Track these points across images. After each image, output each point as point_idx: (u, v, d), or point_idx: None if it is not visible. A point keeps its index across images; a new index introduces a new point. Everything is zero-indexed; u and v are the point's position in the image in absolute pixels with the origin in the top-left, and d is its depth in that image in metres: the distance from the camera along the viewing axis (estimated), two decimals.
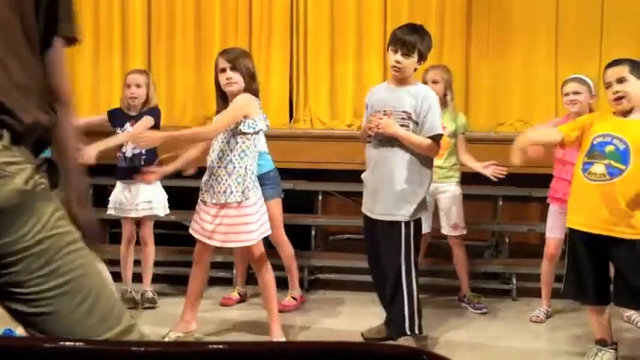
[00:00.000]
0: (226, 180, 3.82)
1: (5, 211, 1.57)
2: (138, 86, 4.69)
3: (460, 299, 4.90)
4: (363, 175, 3.98)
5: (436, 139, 3.82)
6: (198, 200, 3.97)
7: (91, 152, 4.20)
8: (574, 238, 3.70)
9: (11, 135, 1.61)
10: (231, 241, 3.89)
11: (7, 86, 1.62)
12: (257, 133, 3.87)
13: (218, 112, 3.96)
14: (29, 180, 1.60)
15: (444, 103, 4.67)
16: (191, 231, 3.97)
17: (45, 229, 1.60)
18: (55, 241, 1.61)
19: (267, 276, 4.00)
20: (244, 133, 3.81)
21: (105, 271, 3.53)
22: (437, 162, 4.58)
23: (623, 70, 3.59)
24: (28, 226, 1.59)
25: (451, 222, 4.79)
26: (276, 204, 4.60)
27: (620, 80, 3.57)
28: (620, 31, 5.85)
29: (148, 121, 4.62)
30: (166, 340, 3.89)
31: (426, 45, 3.82)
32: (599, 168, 3.55)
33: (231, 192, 3.81)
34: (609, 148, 3.55)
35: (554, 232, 4.53)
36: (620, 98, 3.57)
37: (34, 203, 1.60)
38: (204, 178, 3.94)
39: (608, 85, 3.64)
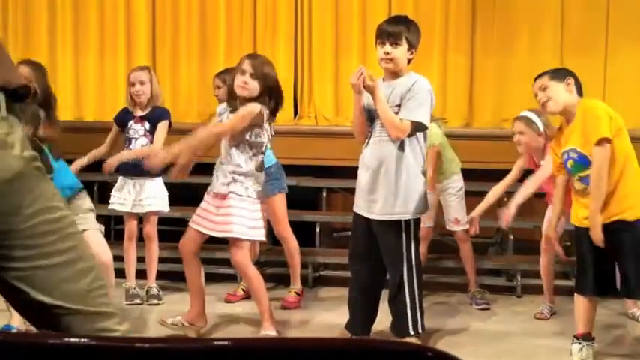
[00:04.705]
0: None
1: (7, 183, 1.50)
2: (142, 83, 4.67)
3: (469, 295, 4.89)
4: (359, 174, 3.85)
5: (413, 125, 3.60)
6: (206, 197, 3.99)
7: (112, 163, 4.38)
8: None
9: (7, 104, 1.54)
10: (227, 231, 3.89)
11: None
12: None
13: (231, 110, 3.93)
14: (25, 150, 1.54)
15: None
16: (204, 229, 3.97)
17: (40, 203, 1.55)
18: (50, 219, 1.56)
19: (254, 276, 3.99)
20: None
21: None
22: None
23: None
24: (27, 200, 1.52)
25: (452, 217, 4.78)
26: (280, 199, 4.60)
27: None
28: (626, 25, 5.83)
29: (164, 128, 4.62)
30: (169, 321, 4.00)
31: (414, 33, 3.71)
32: None
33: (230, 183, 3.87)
34: None
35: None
36: None
37: (32, 179, 1.54)
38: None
39: None
